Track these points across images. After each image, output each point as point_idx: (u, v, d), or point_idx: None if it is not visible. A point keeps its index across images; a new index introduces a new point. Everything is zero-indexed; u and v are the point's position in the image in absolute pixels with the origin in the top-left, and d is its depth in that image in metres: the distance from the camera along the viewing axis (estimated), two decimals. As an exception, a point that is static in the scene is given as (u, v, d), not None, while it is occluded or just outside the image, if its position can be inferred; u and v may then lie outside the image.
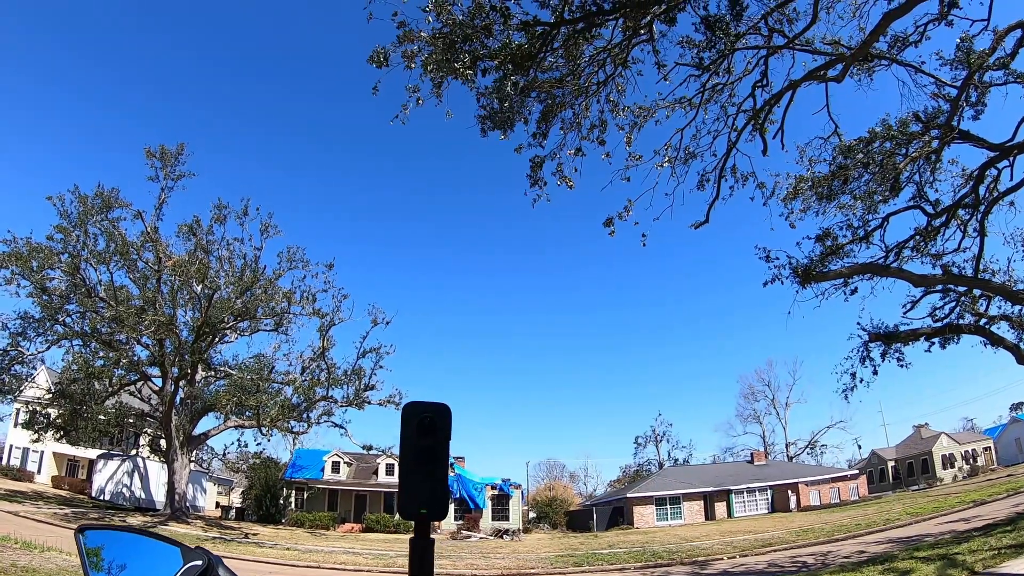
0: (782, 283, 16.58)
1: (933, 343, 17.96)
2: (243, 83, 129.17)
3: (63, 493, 40.60)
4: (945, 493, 37.24)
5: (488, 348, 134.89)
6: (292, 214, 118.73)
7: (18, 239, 31.04)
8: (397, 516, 45.28)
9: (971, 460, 59.56)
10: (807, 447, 78.86)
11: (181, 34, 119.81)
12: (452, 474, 48.95)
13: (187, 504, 36.93)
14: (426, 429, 1.00)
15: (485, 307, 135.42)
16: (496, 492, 49.87)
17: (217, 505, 58.89)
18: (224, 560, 1.09)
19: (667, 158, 11.41)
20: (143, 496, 43.43)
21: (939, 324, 18.14)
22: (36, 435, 35.12)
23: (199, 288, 33.51)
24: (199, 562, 1.09)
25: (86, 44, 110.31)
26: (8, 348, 32.76)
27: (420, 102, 8.95)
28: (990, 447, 61.97)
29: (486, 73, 8.98)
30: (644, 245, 11.66)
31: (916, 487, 53.94)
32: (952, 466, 59.11)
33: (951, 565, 11.48)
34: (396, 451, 38.78)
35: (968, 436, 65.52)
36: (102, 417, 34.39)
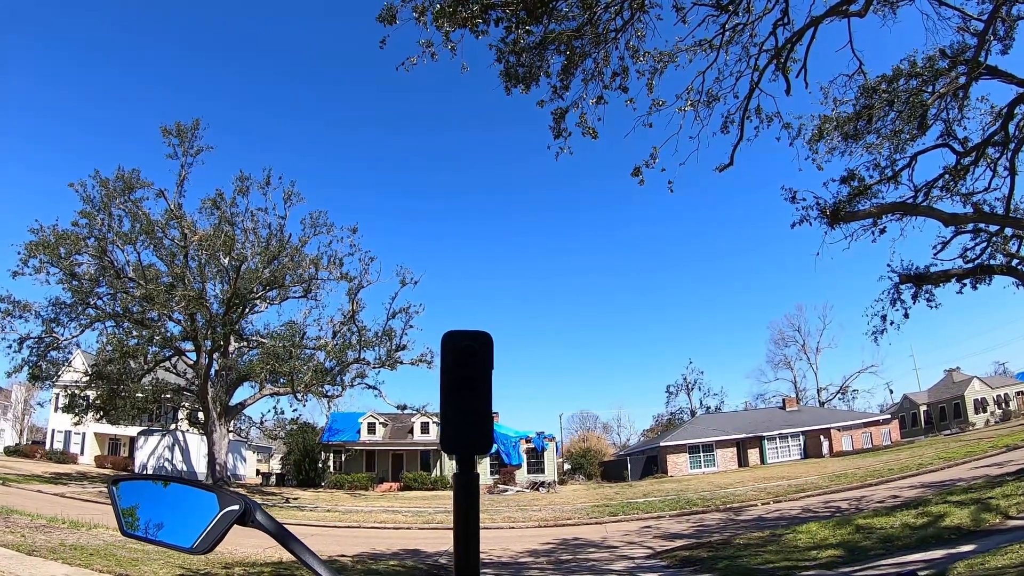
0: (810, 224, 16.31)
1: (964, 284, 17.61)
2: (250, 60, 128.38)
3: (107, 472, 41.88)
4: (977, 437, 36.92)
5: (518, 304, 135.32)
6: (313, 181, 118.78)
7: (44, 228, 31.63)
8: (434, 473, 46.10)
9: (1003, 404, 58.88)
10: (839, 392, 78.50)
11: (184, 17, 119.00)
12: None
13: (228, 473, 37.95)
14: (467, 359, 0.95)
15: (513, 265, 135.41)
16: (531, 445, 50.42)
17: (257, 472, 60.45)
18: None
19: (689, 102, 11.12)
20: (184, 469, 44.76)
21: (970, 265, 17.77)
22: (77, 418, 36.09)
23: (226, 260, 33.86)
24: (236, 507, 1.08)
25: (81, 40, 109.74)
26: (43, 335, 33.46)
27: (435, 56, 8.82)
28: (1023, 391, 61.20)
29: (498, 23, 8.81)
30: (671, 191, 11.51)
31: (948, 432, 53.53)
32: (984, 410, 58.53)
33: (985, 509, 11.43)
34: (430, 409, 38.90)
35: (1000, 380, 64.60)
36: (140, 395, 35.16)
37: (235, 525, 1.09)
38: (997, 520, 10.61)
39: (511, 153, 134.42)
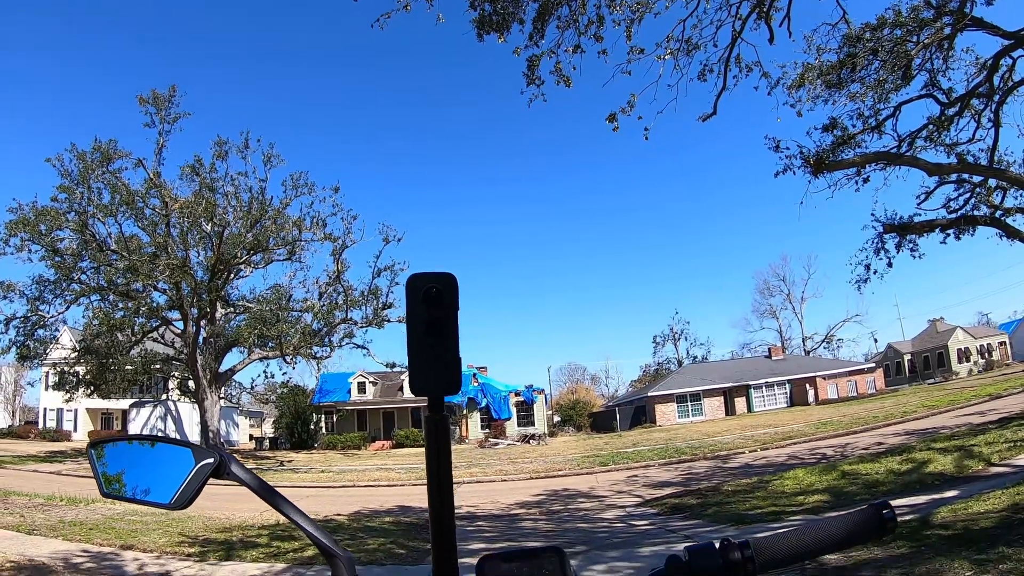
0: (794, 173, 16.30)
1: (948, 234, 17.74)
2: (220, 12, 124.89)
3: (101, 448, 41.96)
4: (961, 387, 37.60)
5: (503, 256, 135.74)
6: (292, 141, 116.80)
7: (23, 205, 31.17)
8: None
9: (986, 354, 60.15)
10: (824, 341, 79.70)
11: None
12: (476, 384, 50.00)
13: (221, 440, 38.13)
14: (433, 300, 0.94)
15: (496, 216, 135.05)
16: (520, 399, 50.95)
17: (251, 437, 60.86)
18: None
19: (669, 50, 11.00)
20: (178, 438, 44.89)
21: (954, 215, 17.89)
22: (68, 394, 36.01)
23: (209, 227, 33.51)
24: (211, 460, 1.08)
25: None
26: (28, 314, 33.07)
27: (408, 8, 8.63)
28: (1005, 342, 62.54)
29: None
30: (647, 139, 11.53)
31: (932, 380, 54.62)
32: (967, 360, 59.72)
33: (968, 456, 11.70)
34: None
35: (983, 331, 65.87)
36: (129, 367, 35.04)
37: (211, 479, 1.09)
38: (980, 467, 10.86)
39: (493, 93, 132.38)
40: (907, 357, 67.19)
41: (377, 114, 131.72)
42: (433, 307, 0.94)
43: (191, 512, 12.56)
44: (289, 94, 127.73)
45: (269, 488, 1.04)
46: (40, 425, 51.12)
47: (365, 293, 36.66)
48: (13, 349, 32.90)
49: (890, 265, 17.92)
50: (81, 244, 32.34)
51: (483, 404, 49.50)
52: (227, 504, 12.80)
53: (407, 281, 0.97)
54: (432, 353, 0.94)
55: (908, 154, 16.56)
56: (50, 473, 23.53)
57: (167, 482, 1.09)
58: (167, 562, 8.29)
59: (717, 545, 0.96)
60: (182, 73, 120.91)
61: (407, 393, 49.91)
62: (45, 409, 51.66)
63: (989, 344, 61.72)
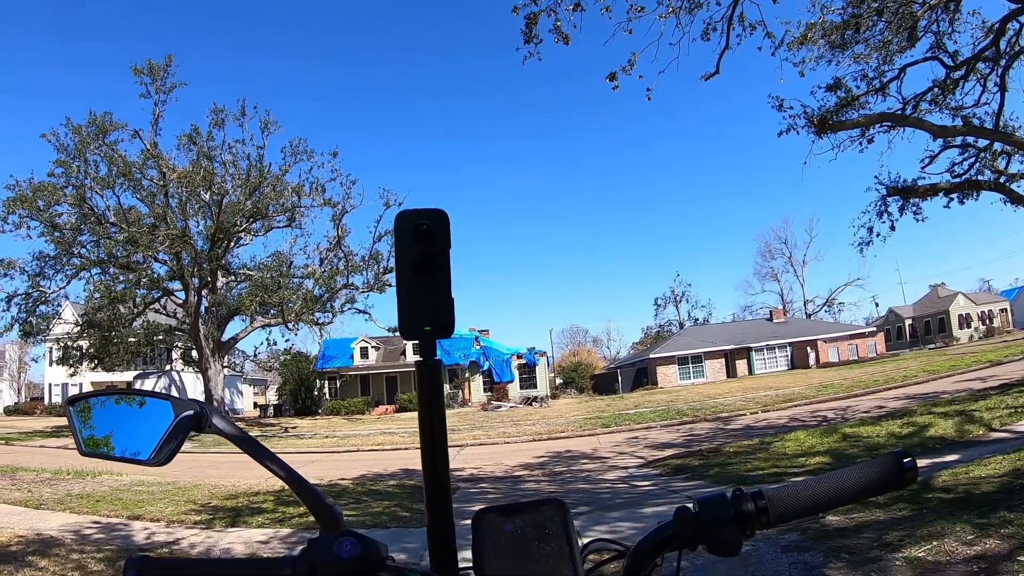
0: (797, 133, 16.15)
1: (952, 198, 17.60)
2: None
3: (108, 421, 42.42)
4: (961, 352, 37.64)
5: (504, 218, 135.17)
6: (288, 108, 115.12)
7: (20, 182, 31.08)
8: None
9: (987, 321, 60.30)
10: (825, 304, 79.77)
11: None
12: (478, 347, 50.22)
13: (225, 408, 38.46)
14: (423, 237, 0.89)
15: (496, 178, 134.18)
16: (522, 361, 51.16)
17: (255, 405, 61.36)
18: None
19: (671, 8, 10.80)
20: (161, 391, 45.41)
21: (958, 180, 17.74)
22: (72, 369, 36.22)
23: (207, 196, 33.33)
24: (191, 412, 1.04)
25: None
26: (30, 291, 33.17)
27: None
28: (1007, 309, 62.69)
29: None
30: (649, 99, 11.44)
31: (933, 346, 54.78)
32: (968, 326, 59.89)
33: (968, 421, 11.72)
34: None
35: (985, 297, 65.95)
36: (132, 339, 35.27)
37: (193, 432, 1.05)
38: (980, 432, 10.89)
39: (493, 51, 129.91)
40: (908, 322, 67.29)
41: (374, 76, 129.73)
42: (423, 244, 0.89)
43: (198, 480, 12.70)
44: (285, 59, 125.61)
45: (252, 441, 1.00)
46: (46, 401, 51.50)
47: (366, 258, 36.79)
48: (16, 326, 33.17)
49: (893, 228, 17.85)
50: (80, 218, 32.29)
51: (485, 367, 49.75)
52: (234, 472, 12.90)
53: (395, 218, 0.91)
54: (423, 290, 0.89)
55: (913, 116, 16.38)
56: (56, 448, 23.66)
57: (147, 438, 1.05)
58: (175, 530, 8.38)
59: (729, 495, 0.91)
60: (175, 43, 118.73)
61: (410, 357, 50.11)
62: (50, 385, 51.99)
63: (990, 311, 61.82)
